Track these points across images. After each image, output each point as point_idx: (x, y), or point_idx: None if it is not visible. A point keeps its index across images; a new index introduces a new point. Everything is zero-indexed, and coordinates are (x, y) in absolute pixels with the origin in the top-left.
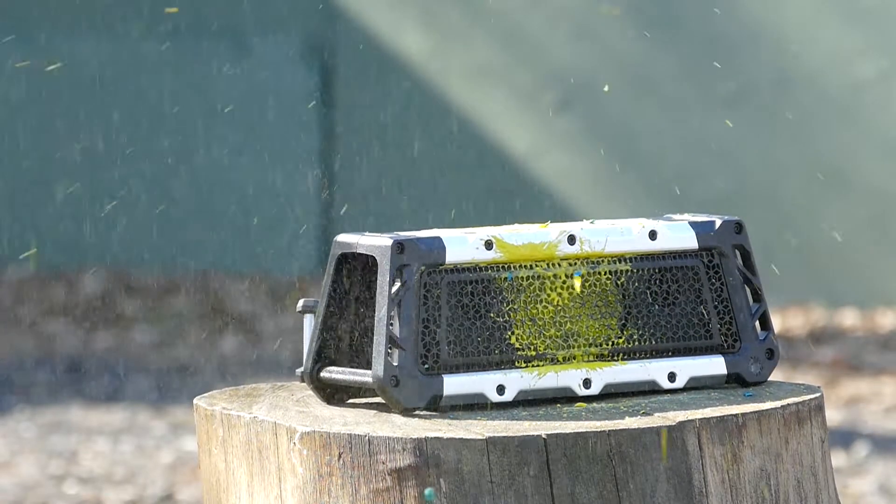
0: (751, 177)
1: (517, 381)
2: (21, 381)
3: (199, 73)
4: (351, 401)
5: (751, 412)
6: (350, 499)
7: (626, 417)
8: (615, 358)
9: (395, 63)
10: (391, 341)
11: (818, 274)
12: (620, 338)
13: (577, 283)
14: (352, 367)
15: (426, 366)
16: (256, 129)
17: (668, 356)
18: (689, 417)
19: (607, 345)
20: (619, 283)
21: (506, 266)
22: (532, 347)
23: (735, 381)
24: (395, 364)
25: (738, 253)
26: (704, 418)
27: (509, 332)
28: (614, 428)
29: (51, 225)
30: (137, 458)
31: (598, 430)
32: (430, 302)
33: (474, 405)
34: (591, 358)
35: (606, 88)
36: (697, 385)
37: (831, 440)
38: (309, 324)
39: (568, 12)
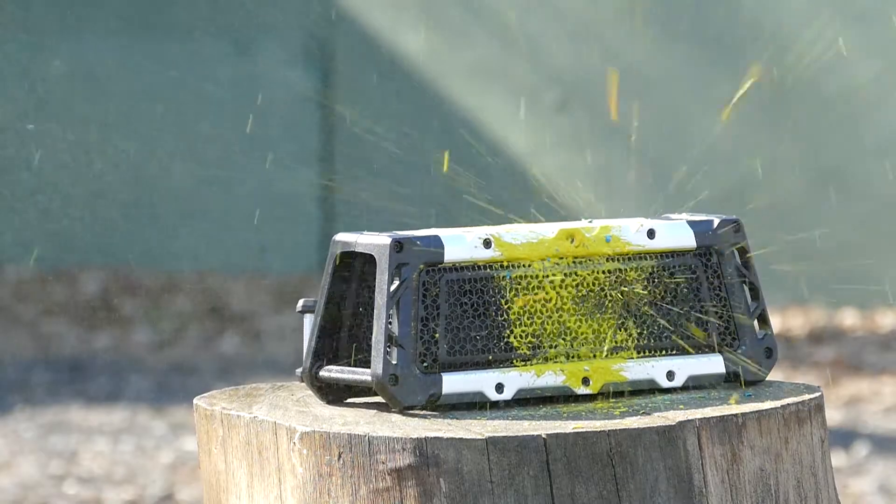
0: (751, 177)
1: (516, 379)
2: (21, 381)
3: (199, 73)
4: (350, 400)
5: (751, 412)
6: (350, 499)
7: (626, 417)
8: (614, 357)
9: (395, 63)
10: (390, 340)
11: (818, 274)
12: (619, 336)
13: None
14: (351, 366)
15: (425, 364)
16: (256, 129)
17: (666, 355)
18: (689, 417)
19: (606, 344)
20: (617, 281)
21: (504, 265)
22: (531, 346)
23: (734, 380)
24: (394, 362)
25: (736, 252)
26: (704, 418)
27: (508, 331)
28: (614, 428)
29: (51, 225)
30: (137, 458)
31: (598, 430)
32: (428, 300)
33: (473, 404)
34: (590, 357)
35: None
36: (696, 384)
37: (831, 440)
38: (308, 323)
39: (568, 12)
